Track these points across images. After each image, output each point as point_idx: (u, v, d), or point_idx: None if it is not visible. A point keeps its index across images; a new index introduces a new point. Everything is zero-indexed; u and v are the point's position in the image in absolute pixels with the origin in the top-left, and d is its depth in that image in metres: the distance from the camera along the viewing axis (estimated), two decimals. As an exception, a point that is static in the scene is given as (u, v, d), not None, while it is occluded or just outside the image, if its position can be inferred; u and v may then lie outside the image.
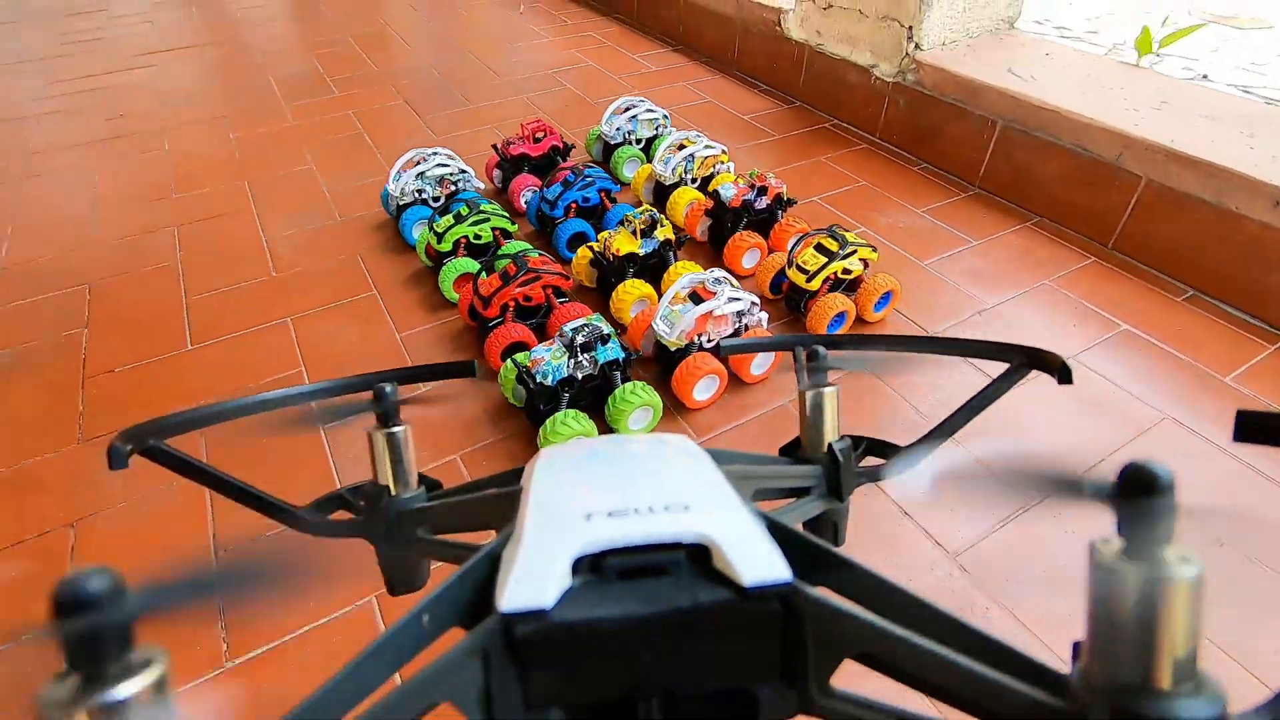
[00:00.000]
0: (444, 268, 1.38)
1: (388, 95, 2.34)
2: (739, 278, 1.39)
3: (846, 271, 1.30)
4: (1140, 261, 1.51)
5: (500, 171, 1.76)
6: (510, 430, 1.16)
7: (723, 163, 1.66)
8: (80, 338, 1.36)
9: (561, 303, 1.29)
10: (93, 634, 0.16)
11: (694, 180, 1.64)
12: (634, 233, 1.35)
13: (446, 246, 1.40)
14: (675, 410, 1.19)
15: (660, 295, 1.33)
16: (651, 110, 1.81)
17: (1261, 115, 1.51)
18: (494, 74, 2.48)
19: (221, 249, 1.61)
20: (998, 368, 0.37)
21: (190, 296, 1.46)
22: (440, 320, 1.39)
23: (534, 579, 0.20)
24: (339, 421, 0.38)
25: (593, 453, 0.28)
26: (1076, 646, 0.19)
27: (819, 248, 1.30)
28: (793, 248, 1.34)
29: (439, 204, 1.57)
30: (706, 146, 1.64)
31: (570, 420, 1.05)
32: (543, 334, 1.28)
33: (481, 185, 1.65)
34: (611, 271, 1.36)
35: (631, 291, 1.31)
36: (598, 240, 1.40)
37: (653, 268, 1.39)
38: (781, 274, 1.36)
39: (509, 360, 1.13)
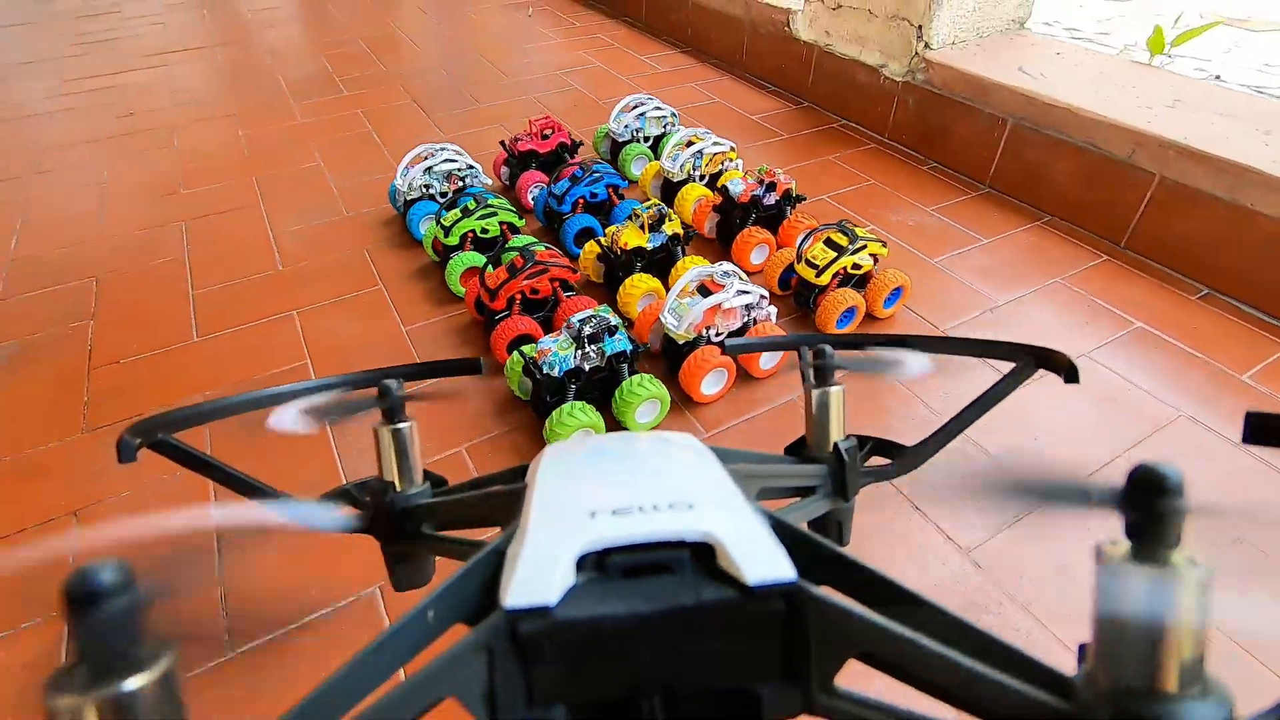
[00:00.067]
0: (451, 261, 1.37)
1: (396, 95, 2.35)
2: (747, 273, 1.38)
3: (856, 267, 1.29)
4: (1153, 260, 1.50)
5: (508, 168, 1.76)
6: (516, 423, 1.15)
7: (731, 160, 1.65)
8: (87, 329, 1.36)
9: (569, 296, 1.28)
10: (103, 625, 0.16)
11: (702, 177, 1.63)
12: (642, 227, 1.35)
13: (453, 241, 1.40)
14: (683, 404, 1.17)
15: (668, 290, 1.32)
16: (660, 108, 1.81)
17: (1277, 113, 1.50)
18: (502, 75, 2.49)
19: (229, 244, 1.61)
20: (1007, 365, 0.36)
21: (197, 290, 1.46)
22: (446, 314, 1.39)
23: (538, 576, 0.20)
24: (345, 419, 0.38)
25: (598, 450, 0.28)
26: (1083, 649, 0.19)
27: (828, 242, 1.29)
28: (802, 243, 1.33)
29: (446, 199, 1.57)
30: (715, 143, 1.63)
31: (577, 412, 1.04)
32: (549, 327, 1.27)
33: (489, 181, 1.65)
34: (619, 266, 1.35)
35: (639, 286, 1.30)
36: (605, 235, 1.39)
37: (660, 262, 1.38)
38: (790, 269, 1.35)
39: (515, 352, 1.13)
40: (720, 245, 1.55)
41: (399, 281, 1.48)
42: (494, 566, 0.22)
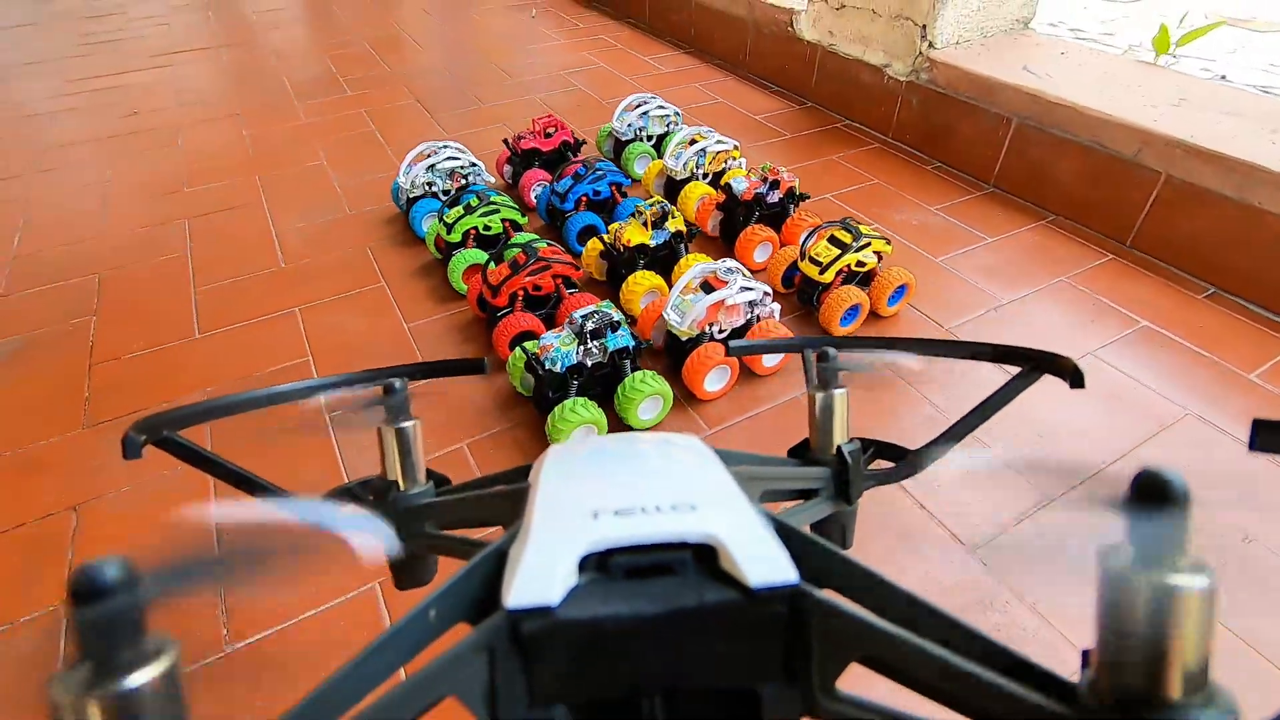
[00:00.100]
0: (453, 258, 1.37)
1: (400, 95, 2.35)
2: (751, 271, 1.37)
3: (860, 264, 1.28)
4: (1159, 259, 1.49)
5: (511, 167, 1.76)
6: (518, 419, 1.14)
7: (734, 158, 1.65)
8: (89, 325, 1.36)
9: (571, 293, 1.28)
10: (106, 623, 0.17)
11: (705, 175, 1.63)
12: (645, 224, 1.34)
13: (456, 238, 1.39)
14: (686, 401, 1.17)
15: (670, 288, 1.31)
16: (663, 107, 1.81)
17: (1283, 112, 1.49)
18: (506, 75, 2.49)
19: (232, 241, 1.61)
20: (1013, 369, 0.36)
21: (199, 287, 1.46)
22: (449, 311, 1.38)
23: (540, 576, 0.20)
24: (351, 417, 0.38)
25: (601, 451, 0.28)
26: (1086, 654, 0.19)
27: (832, 240, 1.29)
28: (805, 240, 1.32)
29: (449, 197, 1.57)
30: (718, 141, 1.63)
31: (579, 408, 1.03)
32: (552, 325, 1.26)
33: (491, 179, 1.64)
34: (622, 263, 1.34)
35: (642, 283, 1.29)
36: (608, 232, 1.38)
37: (663, 260, 1.37)
38: (794, 267, 1.35)
39: (518, 348, 1.12)
40: (723, 243, 1.54)
41: (401, 279, 1.47)
42: (496, 566, 0.23)
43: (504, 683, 0.20)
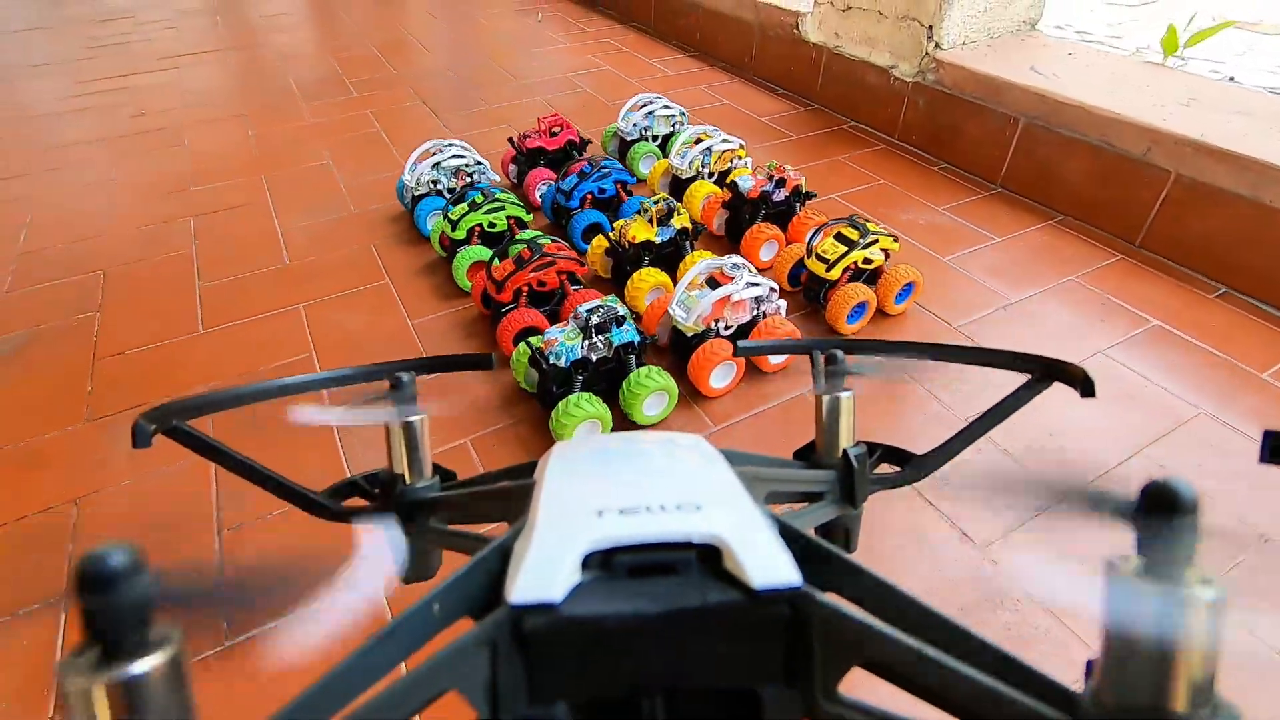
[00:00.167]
0: (458, 255, 1.36)
1: (405, 96, 2.35)
2: (757, 270, 1.36)
3: (867, 261, 1.27)
4: (1169, 258, 1.47)
5: (516, 166, 1.75)
6: (521, 415, 1.13)
7: (740, 157, 1.64)
8: (93, 321, 1.35)
9: (576, 290, 1.27)
10: (114, 609, 0.17)
11: (711, 174, 1.62)
12: (650, 221, 1.33)
13: (460, 234, 1.39)
14: (691, 398, 1.16)
15: (676, 285, 1.30)
16: (668, 107, 1.80)
17: (1294, 111, 1.48)
18: (511, 77, 2.49)
19: (236, 239, 1.61)
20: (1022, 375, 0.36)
21: (203, 284, 1.46)
22: (453, 308, 1.38)
23: (544, 573, 0.21)
24: (357, 411, 0.38)
25: (606, 449, 0.28)
26: (1090, 664, 0.19)
27: (839, 237, 1.28)
28: (812, 238, 1.31)
29: (454, 195, 1.56)
30: (724, 140, 1.62)
31: (583, 403, 1.02)
32: (556, 321, 1.26)
33: (496, 177, 1.64)
34: (627, 259, 1.33)
35: (647, 280, 1.28)
36: (613, 229, 1.38)
37: (668, 257, 1.36)
38: (800, 265, 1.34)
39: (522, 343, 1.11)
40: (729, 241, 1.53)
41: (405, 276, 1.47)
42: (500, 562, 0.23)
43: (506, 678, 0.20)
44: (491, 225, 1.41)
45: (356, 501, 0.41)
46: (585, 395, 1.03)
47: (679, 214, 1.36)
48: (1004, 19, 1.91)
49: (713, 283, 1.17)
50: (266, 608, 0.20)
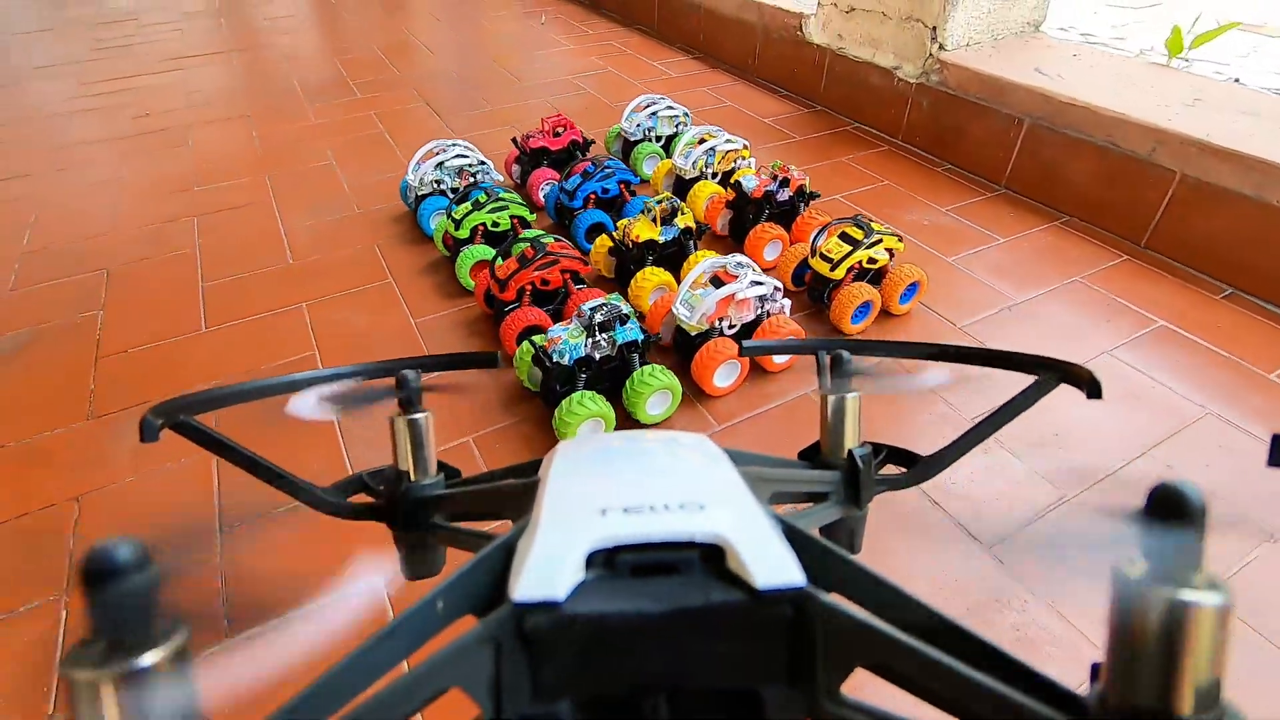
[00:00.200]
0: (461, 254, 1.36)
1: (409, 98, 2.36)
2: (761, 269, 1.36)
3: (872, 261, 1.27)
4: (1176, 259, 1.47)
5: (519, 167, 1.75)
6: (524, 414, 1.13)
7: (744, 158, 1.64)
8: (96, 319, 1.35)
9: (579, 289, 1.26)
10: (119, 602, 0.17)
11: (715, 174, 1.62)
12: (654, 220, 1.33)
13: (464, 234, 1.39)
14: (695, 397, 1.15)
15: (679, 284, 1.30)
16: (672, 108, 1.80)
17: (1300, 112, 1.47)
18: (515, 79, 2.50)
19: (240, 238, 1.61)
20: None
21: (207, 282, 1.46)
22: (456, 307, 1.37)
23: (547, 571, 0.21)
24: (363, 408, 0.39)
25: (611, 448, 0.28)
26: (1095, 667, 0.19)
27: (843, 236, 1.27)
28: (816, 237, 1.31)
29: (457, 194, 1.56)
30: (728, 140, 1.62)
31: (586, 401, 1.02)
32: (559, 321, 1.25)
33: (500, 177, 1.64)
34: (631, 259, 1.33)
35: (650, 279, 1.28)
36: (617, 228, 1.37)
37: (672, 256, 1.36)
38: (804, 265, 1.33)
39: (525, 341, 1.11)
40: (733, 241, 1.53)
41: (409, 276, 1.47)
42: (504, 559, 0.23)
43: (509, 676, 0.20)
44: (495, 224, 1.41)
45: (361, 498, 0.41)
46: (589, 393, 1.03)
47: (683, 213, 1.35)
48: (1008, 20, 1.90)
49: (717, 281, 1.17)
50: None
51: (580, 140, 1.75)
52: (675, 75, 2.50)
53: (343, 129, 2.14)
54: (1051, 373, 0.34)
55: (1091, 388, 0.32)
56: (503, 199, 1.42)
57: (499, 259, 1.26)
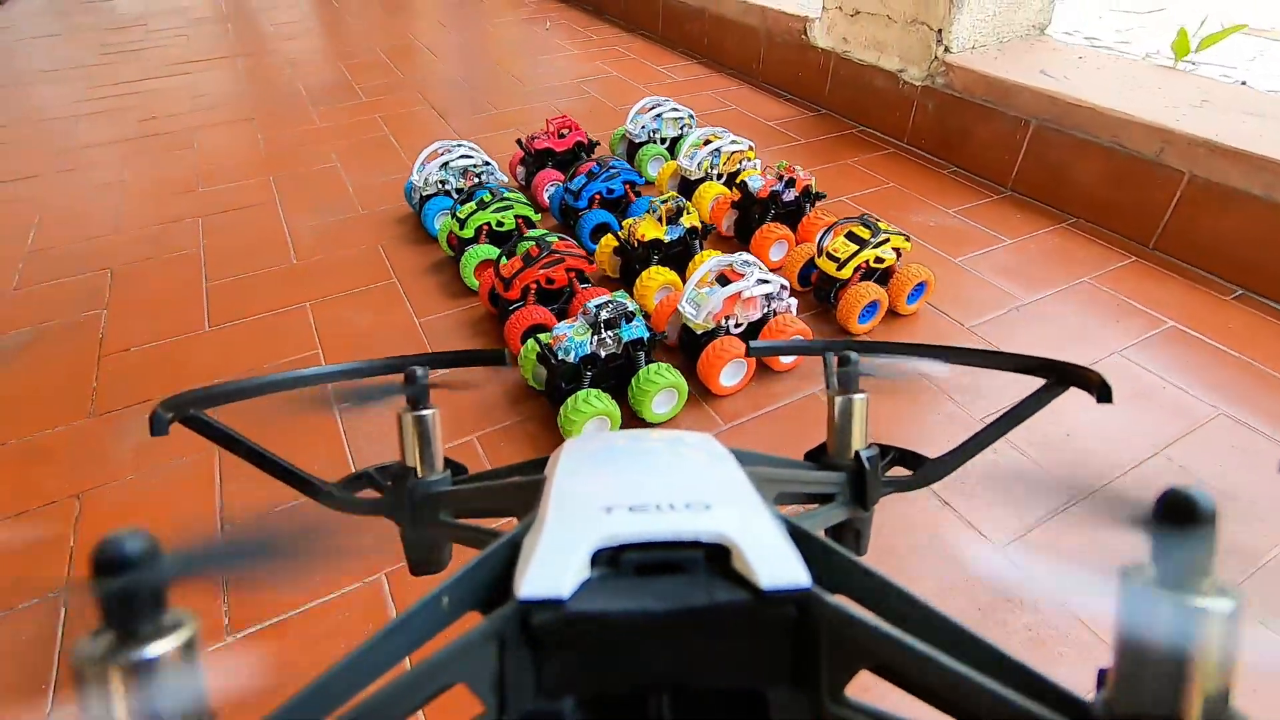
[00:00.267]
0: (466, 254, 1.36)
1: (414, 101, 2.36)
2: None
3: (879, 260, 1.26)
4: (1185, 260, 1.46)
5: (524, 168, 1.75)
6: (529, 413, 1.12)
7: (749, 159, 1.64)
8: (99, 318, 1.35)
9: (584, 288, 1.26)
10: (128, 593, 0.17)
11: (720, 175, 1.62)
12: (660, 219, 1.33)
13: (469, 233, 1.38)
14: (700, 397, 1.14)
15: (685, 283, 1.29)
16: (676, 109, 1.80)
17: (1309, 112, 1.46)
18: (519, 83, 2.50)
19: (244, 239, 1.61)
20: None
21: (211, 282, 1.46)
22: (461, 307, 1.37)
23: (553, 568, 0.21)
24: (371, 404, 0.39)
25: (616, 447, 0.28)
26: (1102, 674, 0.18)
27: (850, 235, 1.26)
28: (823, 237, 1.30)
29: (462, 194, 1.56)
30: (733, 142, 1.62)
31: (592, 399, 1.01)
32: (564, 319, 1.24)
33: (504, 178, 1.64)
34: (636, 258, 1.32)
35: (656, 278, 1.27)
36: (622, 227, 1.37)
37: (677, 256, 1.35)
38: (811, 264, 1.32)
39: (530, 340, 1.10)
40: (739, 242, 1.52)
41: (413, 276, 1.46)
42: (509, 556, 0.23)
43: (513, 673, 0.20)
44: (499, 224, 1.40)
45: (368, 493, 0.41)
46: (594, 391, 1.02)
47: (688, 213, 1.35)
48: (1013, 23, 1.90)
49: (723, 280, 1.16)
50: (278, 565, 0.20)
51: (585, 141, 1.75)
52: (680, 79, 2.51)
53: (347, 132, 2.14)
54: (1060, 376, 0.34)
55: (1101, 391, 0.32)
56: (508, 199, 1.42)
57: (503, 258, 1.25)
